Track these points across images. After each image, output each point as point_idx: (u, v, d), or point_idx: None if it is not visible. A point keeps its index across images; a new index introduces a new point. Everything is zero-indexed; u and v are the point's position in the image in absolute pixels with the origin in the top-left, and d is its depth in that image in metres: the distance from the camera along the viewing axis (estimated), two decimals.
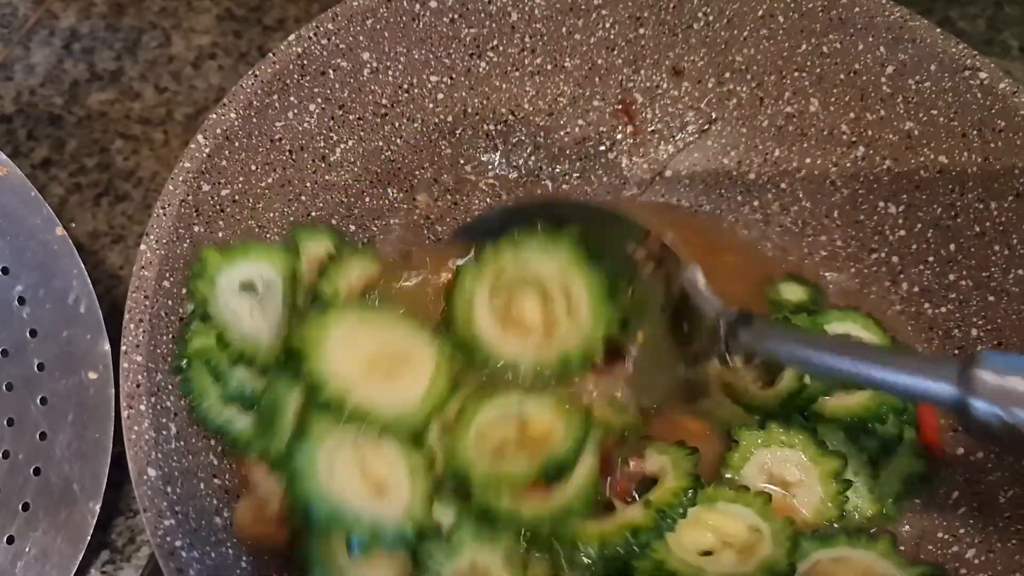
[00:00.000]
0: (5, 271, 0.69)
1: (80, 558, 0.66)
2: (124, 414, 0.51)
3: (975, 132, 0.67)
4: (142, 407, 0.51)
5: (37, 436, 0.67)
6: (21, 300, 0.69)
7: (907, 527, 0.63)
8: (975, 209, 0.67)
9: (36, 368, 0.68)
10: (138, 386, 0.52)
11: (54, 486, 0.67)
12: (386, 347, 0.56)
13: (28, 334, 0.69)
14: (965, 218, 0.68)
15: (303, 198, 0.66)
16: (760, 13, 0.72)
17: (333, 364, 0.53)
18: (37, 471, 0.67)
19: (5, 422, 0.67)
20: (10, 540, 0.65)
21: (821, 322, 0.67)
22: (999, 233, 0.66)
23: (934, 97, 0.68)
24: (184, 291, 0.57)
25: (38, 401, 0.68)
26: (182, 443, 0.53)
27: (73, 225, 0.85)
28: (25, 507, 0.66)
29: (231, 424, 0.56)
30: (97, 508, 0.66)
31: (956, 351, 0.67)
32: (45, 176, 0.88)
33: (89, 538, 0.66)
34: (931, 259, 0.70)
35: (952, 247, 0.68)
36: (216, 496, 0.53)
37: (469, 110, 0.74)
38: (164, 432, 0.52)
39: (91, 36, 0.98)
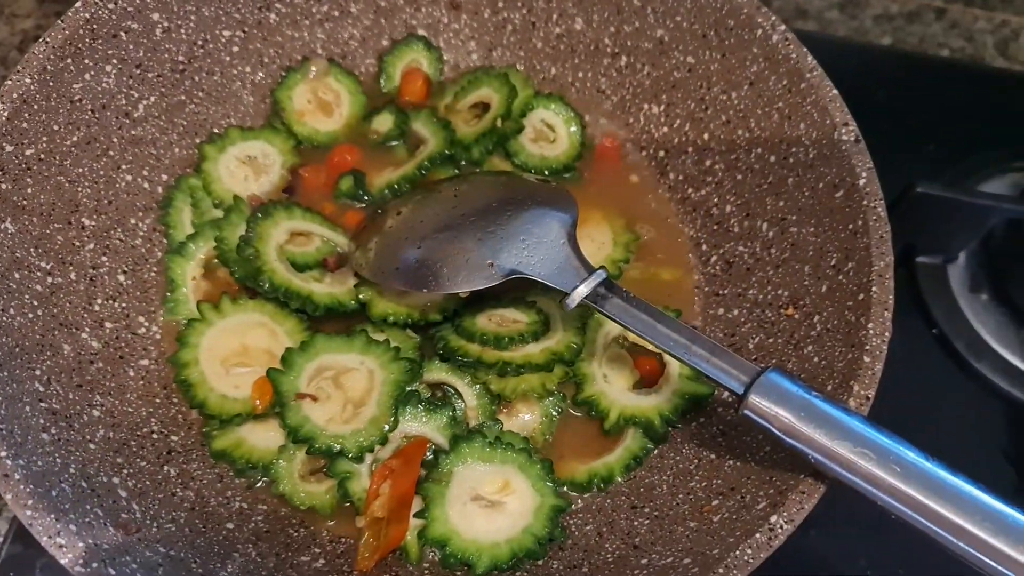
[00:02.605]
0: None
1: None
2: None
3: (712, 32, 0.75)
4: None
5: None
6: None
7: None
8: (720, 101, 0.76)
9: None
10: None
11: None
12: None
13: None
14: (713, 109, 0.76)
15: (111, 153, 0.71)
16: None
17: None
18: None
19: None
20: None
21: (532, 106, 0.79)
22: (741, 119, 0.74)
23: (676, 4, 0.76)
24: None
25: None
26: (5, 373, 0.58)
27: None
28: None
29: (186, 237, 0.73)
30: None
31: (715, 227, 0.76)
32: None
33: None
34: (690, 149, 0.78)
35: (706, 136, 0.77)
36: (43, 416, 0.59)
37: (266, 59, 0.80)
38: None
39: None
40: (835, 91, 0.69)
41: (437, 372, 0.68)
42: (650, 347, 0.68)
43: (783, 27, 0.72)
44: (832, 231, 0.67)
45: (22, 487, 0.53)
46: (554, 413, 0.69)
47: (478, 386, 0.68)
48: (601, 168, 0.80)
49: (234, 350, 0.67)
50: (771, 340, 0.68)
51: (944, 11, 1.11)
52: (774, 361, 0.67)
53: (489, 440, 0.64)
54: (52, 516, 0.53)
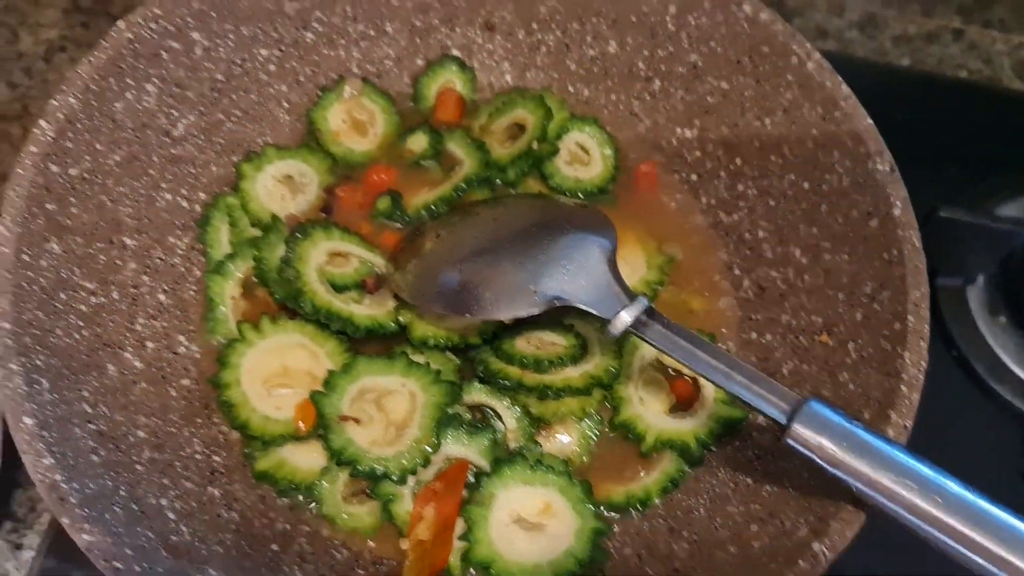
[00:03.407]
0: None
1: None
2: None
3: (746, 59, 0.76)
4: (12, 366, 0.57)
5: None
6: None
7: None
8: (753, 126, 0.77)
9: None
10: (7, 348, 0.57)
11: None
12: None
13: None
14: (747, 135, 0.77)
15: (151, 172, 0.71)
16: None
17: None
18: None
19: None
20: None
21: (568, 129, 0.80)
22: (773, 145, 0.76)
23: (711, 30, 0.77)
24: (43, 263, 0.63)
25: None
26: (56, 395, 0.59)
27: None
28: None
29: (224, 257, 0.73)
30: None
31: (748, 252, 0.77)
32: None
33: None
34: (723, 174, 0.79)
35: (739, 161, 0.78)
36: (92, 438, 0.59)
37: (301, 78, 0.80)
38: (36, 386, 0.57)
39: None
40: (869, 120, 0.70)
41: (477, 394, 0.69)
42: (688, 372, 0.70)
43: (817, 55, 0.73)
44: (866, 259, 0.68)
45: (78, 511, 0.54)
46: (591, 435, 0.70)
47: (518, 408, 0.68)
48: (636, 191, 0.81)
49: (275, 371, 0.68)
50: (805, 366, 0.69)
51: (962, 32, 1.12)
52: (809, 387, 0.68)
53: (530, 462, 0.65)
54: (109, 539, 0.53)
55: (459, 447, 0.66)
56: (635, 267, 0.76)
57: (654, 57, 0.80)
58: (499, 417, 0.69)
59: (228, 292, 0.72)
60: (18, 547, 0.76)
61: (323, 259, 0.71)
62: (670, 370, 0.72)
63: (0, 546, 0.76)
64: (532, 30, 0.83)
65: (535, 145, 0.77)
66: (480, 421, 0.68)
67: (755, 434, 0.69)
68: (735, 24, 0.76)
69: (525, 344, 0.70)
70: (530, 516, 0.64)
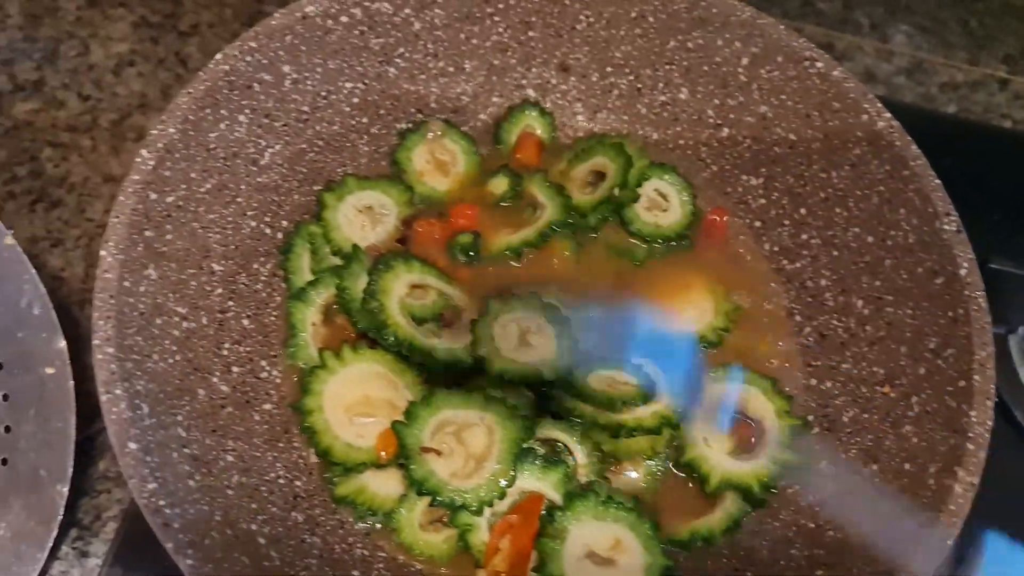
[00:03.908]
0: None
1: (53, 536, 0.72)
2: (103, 398, 0.58)
3: (817, 113, 0.78)
4: (117, 391, 0.59)
5: (2, 429, 0.73)
6: None
7: None
8: (820, 178, 0.79)
9: None
10: (112, 373, 0.59)
11: (22, 474, 0.73)
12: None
13: None
14: (812, 186, 0.80)
15: (239, 200, 0.74)
16: (633, 15, 0.82)
17: None
18: (5, 461, 0.73)
19: None
20: None
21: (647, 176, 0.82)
22: (839, 198, 0.78)
23: (782, 84, 0.79)
24: (142, 289, 0.65)
25: (0, 397, 0.74)
26: (155, 420, 0.61)
27: (12, 231, 0.90)
28: None
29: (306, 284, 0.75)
30: (66, 491, 0.73)
31: (810, 299, 0.79)
32: None
33: (60, 518, 0.72)
34: (787, 222, 0.82)
35: (803, 211, 0.80)
36: (187, 463, 0.61)
37: (382, 111, 0.82)
38: (139, 411, 0.59)
39: (9, 47, 1.02)
40: (938, 181, 0.73)
41: (550, 429, 0.71)
42: (748, 412, 0.72)
43: (888, 114, 0.75)
44: (931, 316, 0.70)
45: (181, 536, 0.56)
46: (657, 472, 0.72)
47: (589, 445, 0.71)
48: (704, 237, 0.83)
49: (357, 399, 0.70)
50: (866, 416, 0.72)
51: (1008, 82, 1.15)
52: (871, 437, 0.70)
53: (601, 498, 0.67)
54: (211, 566, 0.56)
55: (533, 480, 0.68)
56: (703, 312, 0.78)
57: (724, 106, 0.83)
58: (570, 452, 0.71)
59: (309, 319, 0.74)
60: (84, 555, 0.77)
61: (404, 291, 0.73)
62: (735, 413, 0.74)
63: (66, 553, 0.77)
64: (606, 73, 0.85)
65: (615, 192, 0.79)
66: (553, 455, 0.71)
67: (815, 479, 0.71)
68: (807, 79, 0.78)
69: (597, 383, 0.72)
70: (602, 551, 0.67)
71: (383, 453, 0.68)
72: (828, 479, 0.70)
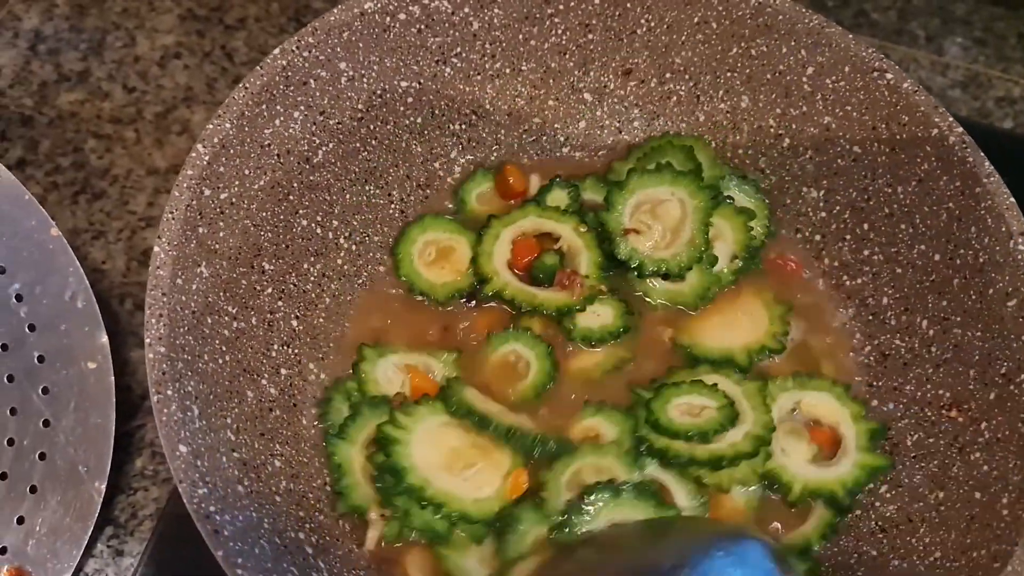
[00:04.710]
0: (2, 271, 0.73)
1: (89, 533, 0.71)
2: (154, 399, 0.57)
3: (883, 126, 0.76)
4: (169, 392, 0.57)
5: (41, 423, 0.72)
6: (19, 297, 0.74)
7: None
8: (884, 193, 0.77)
9: (36, 360, 0.73)
10: (163, 374, 0.58)
11: (60, 469, 0.72)
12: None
13: (27, 329, 0.74)
14: (876, 201, 0.77)
15: (291, 197, 0.72)
16: (696, 20, 0.80)
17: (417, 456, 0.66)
18: (43, 456, 0.72)
19: (8, 411, 0.72)
20: (20, 520, 0.70)
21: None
22: (905, 214, 0.76)
23: (848, 95, 0.77)
24: (194, 287, 0.63)
25: (40, 391, 0.73)
26: (204, 422, 0.59)
27: (54, 223, 0.89)
28: (32, 490, 0.71)
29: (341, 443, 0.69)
30: (103, 487, 0.72)
31: (870, 317, 0.77)
32: (22, 176, 0.91)
33: (97, 515, 0.71)
34: (848, 237, 0.79)
35: (865, 226, 0.78)
36: (236, 467, 0.60)
37: (436, 112, 0.81)
38: (188, 413, 0.58)
39: (55, 37, 1.01)
40: (1012, 199, 0.70)
41: (652, 470, 0.70)
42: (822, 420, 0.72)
43: (960, 128, 0.73)
44: (1002, 339, 0.68)
45: (232, 544, 0.54)
46: (754, 496, 0.70)
47: (690, 483, 0.69)
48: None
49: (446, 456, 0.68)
50: (931, 440, 0.69)
51: None
52: (936, 463, 0.68)
53: None
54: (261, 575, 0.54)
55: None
56: (757, 320, 0.77)
57: (786, 115, 0.80)
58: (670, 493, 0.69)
59: (355, 457, 0.69)
60: (119, 553, 0.76)
61: None
62: (810, 420, 0.73)
63: (101, 551, 0.76)
64: (665, 79, 0.83)
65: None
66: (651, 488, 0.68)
67: (878, 504, 0.69)
68: (875, 90, 0.76)
69: (679, 414, 0.70)
70: None
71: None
72: (890, 503, 0.68)
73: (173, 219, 0.63)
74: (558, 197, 0.80)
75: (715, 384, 0.71)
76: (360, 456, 0.68)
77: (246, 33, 1.04)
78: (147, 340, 0.58)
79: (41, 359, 0.74)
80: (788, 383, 0.73)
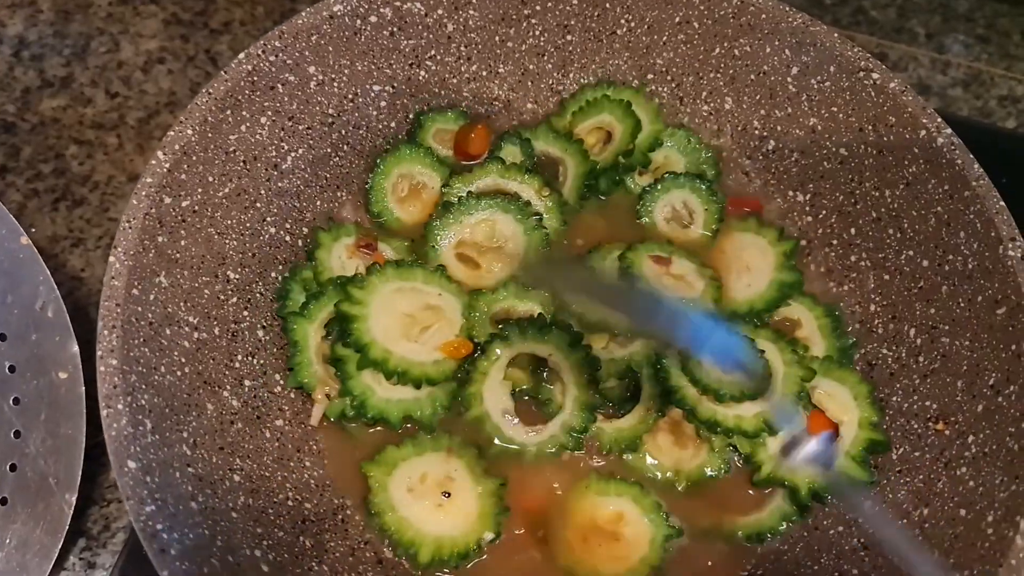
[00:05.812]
0: None
1: (59, 546, 0.70)
2: (103, 413, 0.55)
3: (870, 127, 0.73)
4: (119, 406, 0.56)
5: (11, 434, 0.71)
6: None
7: None
8: (871, 197, 0.74)
9: (7, 370, 0.72)
10: (115, 387, 0.56)
11: (30, 481, 0.71)
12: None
13: None
14: (863, 205, 0.75)
15: (258, 205, 0.71)
16: (677, 20, 0.78)
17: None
18: (13, 467, 0.70)
19: None
20: None
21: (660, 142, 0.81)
22: (892, 218, 0.73)
23: (834, 95, 0.75)
24: (152, 297, 0.62)
25: (11, 401, 0.72)
26: (157, 437, 0.58)
27: (33, 230, 0.88)
28: (3, 501, 0.70)
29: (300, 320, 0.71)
30: (73, 499, 0.70)
31: (857, 326, 0.75)
32: (2, 183, 0.91)
33: (67, 527, 0.70)
34: (835, 242, 0.77)
35: (852, 231, 0.76)
36: (191, 483, 0.58)
37: (411, 115, 0.79)
38: (140, 428, 0.56)
39: (39, 43, 1.01)
40: (1002, 203, 0.68)
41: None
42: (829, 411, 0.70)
43: (949, 130, 0.70)
44: (991, 349, 0.65)
45: (178, 564, 0.53)
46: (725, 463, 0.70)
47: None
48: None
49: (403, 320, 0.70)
50: (917, 454, 0.67)
51: None
52: (921, 478, 0.65)
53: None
54: None
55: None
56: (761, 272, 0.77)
57: (771, 117, 0.78)
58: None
59: (312, 335, 0.71)
60: (91, 566, 0.75)
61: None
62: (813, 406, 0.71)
63: (73, 564, 0.75)
64: (647, 81, 0.81)
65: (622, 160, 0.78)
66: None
67: (861, 521, 0.66)
68: (861, 91, 0.73)
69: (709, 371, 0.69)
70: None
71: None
72: (873, 521, 0.65)
73: (130, 228, 0.61)
74: (511, 152, 0.79)
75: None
76: (317, 336, 0.71)
77: (231, 37, 1.03)
78: (99, 353, 0.57)
79: (12, 369, 0.72)
80: (814, 363, 0.71)
